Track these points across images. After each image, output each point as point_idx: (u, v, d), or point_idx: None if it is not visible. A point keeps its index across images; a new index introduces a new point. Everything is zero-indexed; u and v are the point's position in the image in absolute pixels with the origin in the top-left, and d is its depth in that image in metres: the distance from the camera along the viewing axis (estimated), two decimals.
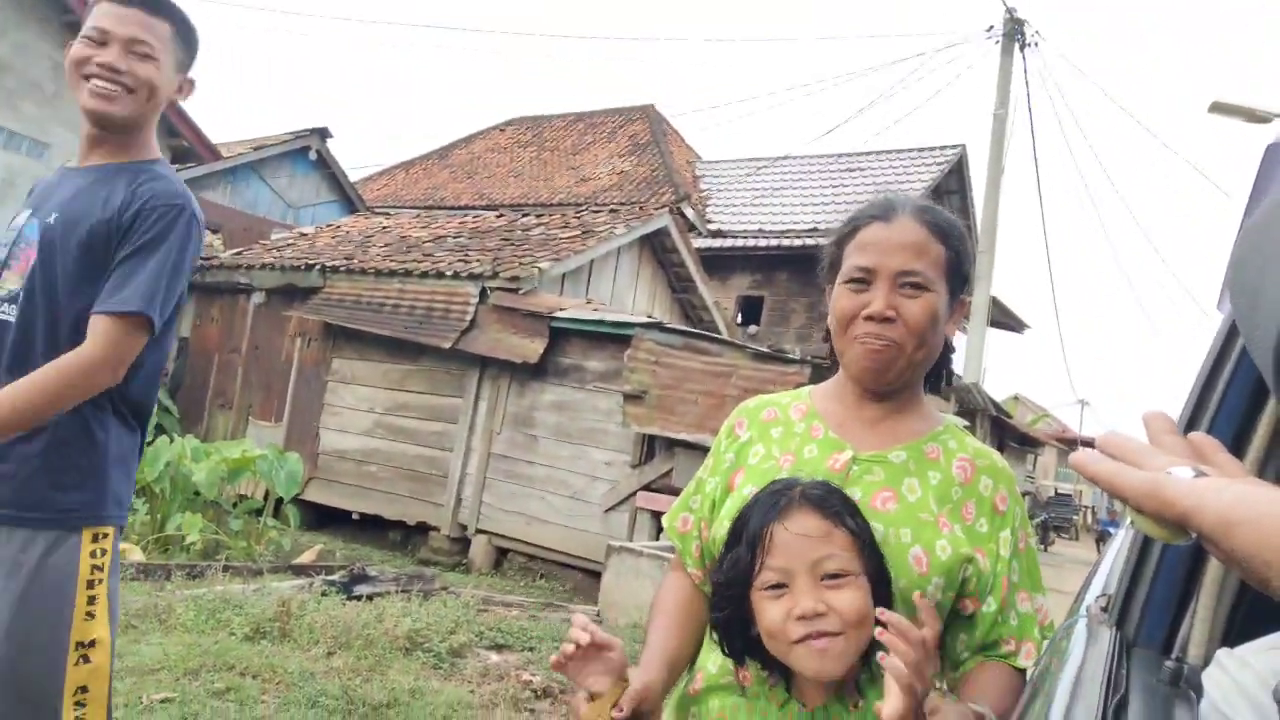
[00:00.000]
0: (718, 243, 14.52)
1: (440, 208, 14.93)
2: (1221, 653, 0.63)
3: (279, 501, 7.23)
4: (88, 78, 1.63)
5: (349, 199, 14.16)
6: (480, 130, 20.11)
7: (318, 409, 8.73)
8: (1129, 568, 1.00)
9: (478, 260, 8.35)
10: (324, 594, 5.19)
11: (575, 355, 7.51)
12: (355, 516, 8.27)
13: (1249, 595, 0.81)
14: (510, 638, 4.89)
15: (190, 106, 9.24)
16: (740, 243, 14.51)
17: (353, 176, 15.13)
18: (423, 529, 7.92)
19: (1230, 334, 0.91)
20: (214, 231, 10.67)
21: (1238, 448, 0.83)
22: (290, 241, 10.50)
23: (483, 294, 7.85)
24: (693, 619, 1.29)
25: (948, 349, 1.31)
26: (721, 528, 1.22)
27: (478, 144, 19.51)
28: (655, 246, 10.25)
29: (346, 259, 9.13)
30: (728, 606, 1.11)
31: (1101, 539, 20.45)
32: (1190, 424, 0.87)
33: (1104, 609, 1.07)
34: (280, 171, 13.20)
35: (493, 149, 19.07)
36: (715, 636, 1.17)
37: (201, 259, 9.92)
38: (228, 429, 9.28)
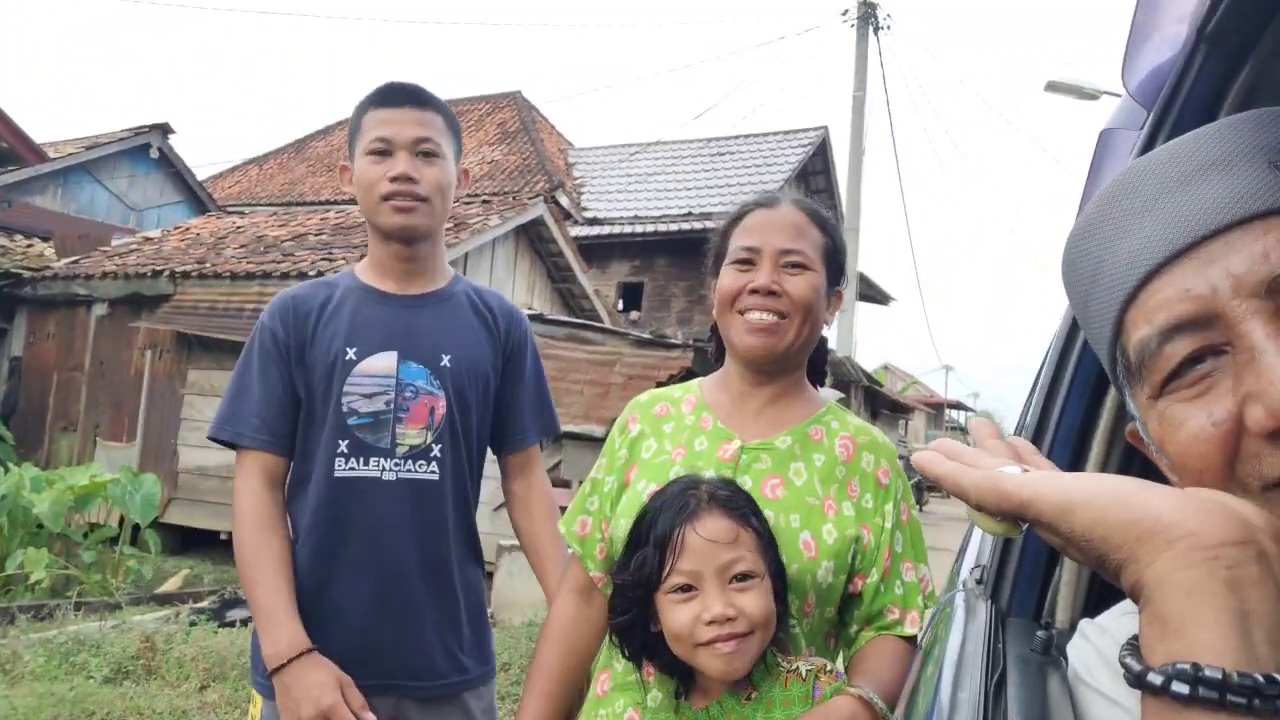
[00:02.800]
0: (595, 230, 14.48)
1: (300, 204, 14.25)
2: (1083, 623, 0.64)
3: (136, 528, 6.72)
4: (385, 197, 1.52)
5: (197, 199, 13.30)
6: (339, 121, 19.26)
7: (174, 425, 8.16)
8: (999, 540, 1.01)
9: (344, 259, 7.99)
10: (193, 624, 4.86)
11: None
12: (224, 536, 7.78)
13: None
14: None
15: (8, 103, 8.42)
16: (617, 229, 14.52)
17: (200, 175, 14.22)
18: None
19: (1075, 323, 0.92)
20: (44, 239, 9.78)
21: (1084, 435, 0.85)
22: (134, 247, 9.76)
23: None
24: (579, 670, 1.32)
25: (823, 342, 1.33)
26: (619, 526, 1.23)
27: (337, 135, 18.68)
28: (532, 236, 10.11)
29: (198, 263, 8.56)
30: (631, 608, 1.10)
31: None
32: (1043, 411, 0.88)
33: (979, 581, 1.08)
34: (118, 172, 12.24)
35: None
36: (614, 640, 1.16)
37: (31, 270, 9.09)
38: (72, 453, 8.55)
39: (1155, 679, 0.37)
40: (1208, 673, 0.36)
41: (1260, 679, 0.35)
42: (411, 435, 1.51)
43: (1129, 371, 0.58)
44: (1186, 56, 0.82)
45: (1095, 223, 0.61)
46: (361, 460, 1.50)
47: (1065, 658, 0.70)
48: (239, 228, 10.09)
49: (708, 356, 1.40)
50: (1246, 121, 0.56)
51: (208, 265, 8.44)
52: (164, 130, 12.54)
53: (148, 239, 10.12)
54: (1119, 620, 0.61)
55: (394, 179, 1.50)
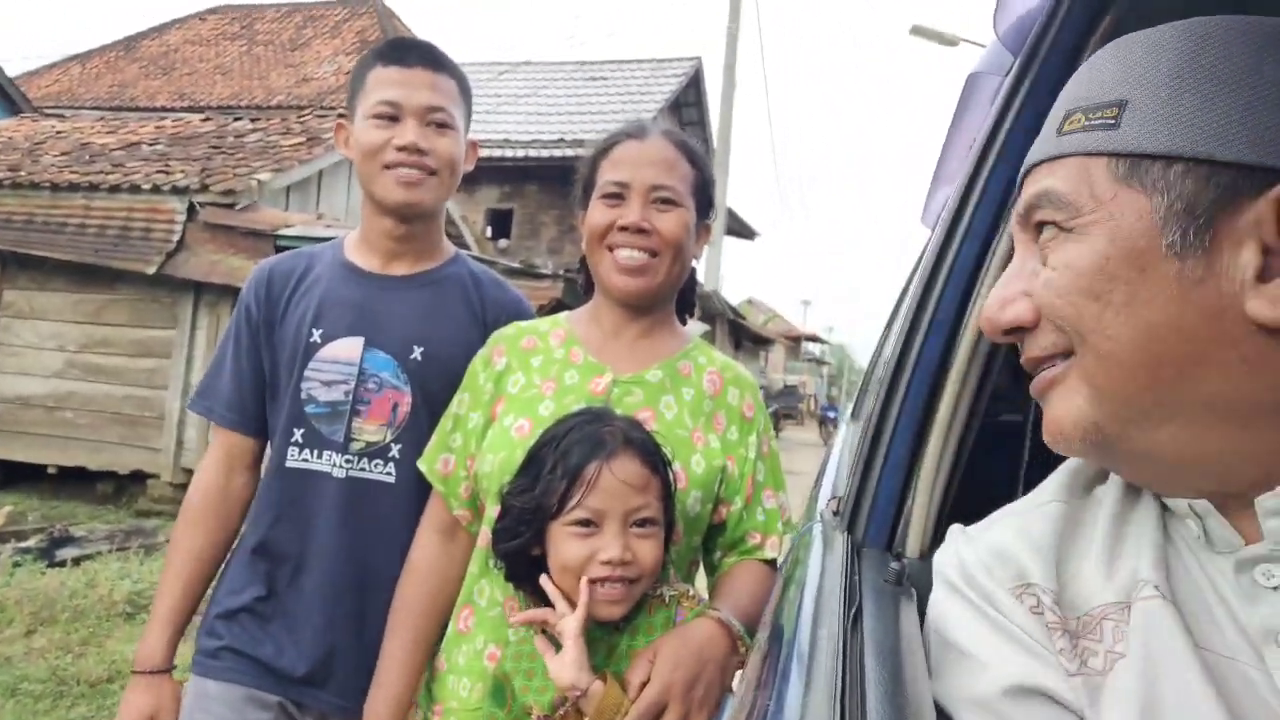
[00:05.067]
0: None
1: (130, 109, 12.95)
2: (955, 529, 0.67)
3: None
4: (388, 166, 1.37)
5: (8, 98, 11.83)
6: (175, 19, 17.50)
7: None
8: (855, 473, 1.04)
9: (182, 171, 7.34)
10: (16, 564, 4.51)
11: None
12: (52, 470, 7.20)
13: (955, 493, 0.87)
14: None
15: None
16: (486, 153, 14.01)
17: (10, 70, 12.63)
18: (139, 478, 7.07)
19: (943, 246, 0.94)
20: None
21: (946, 355, 0.88)
22: None
23: (191, 210, 6.94)
24: (444, 611, 1.28)
25: (691, 275, 1.34)
26: (485, 462, 1.21)
27: (173, 35, 16.98)
28: None
29: (11, 170, 7.66)
30: (525, 532, 1.08)
31: (823, 423, 23.05)
32: (906, 337, 0.90)
33: (835, 512, 1.12)
34: None
35: (192, 41, 16.69)
36: (496, 564, 1.15)
37: None
38: None
39: None
40: None
41: None
42: (369, 431, 1.39)
43: None
44: (1052, 6, 0.83)
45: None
46: (314, 452, 1.39)
47: (915, 586, 0.74)
48: (59, 132, 9.06)
49: (577, 288, 1.38)
50: (1076, 75, 0.61)
51: (23, 173, 7.56)
52: None
53: None
54: (984, 532, 0.64)
55: (401, 148, 1.36)
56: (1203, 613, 0.53)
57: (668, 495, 1.11)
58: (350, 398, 1.39)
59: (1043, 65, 0.84)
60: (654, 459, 1.10)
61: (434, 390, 1.39)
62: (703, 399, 1.26)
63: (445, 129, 1.41)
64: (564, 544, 1.06)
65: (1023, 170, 0.62)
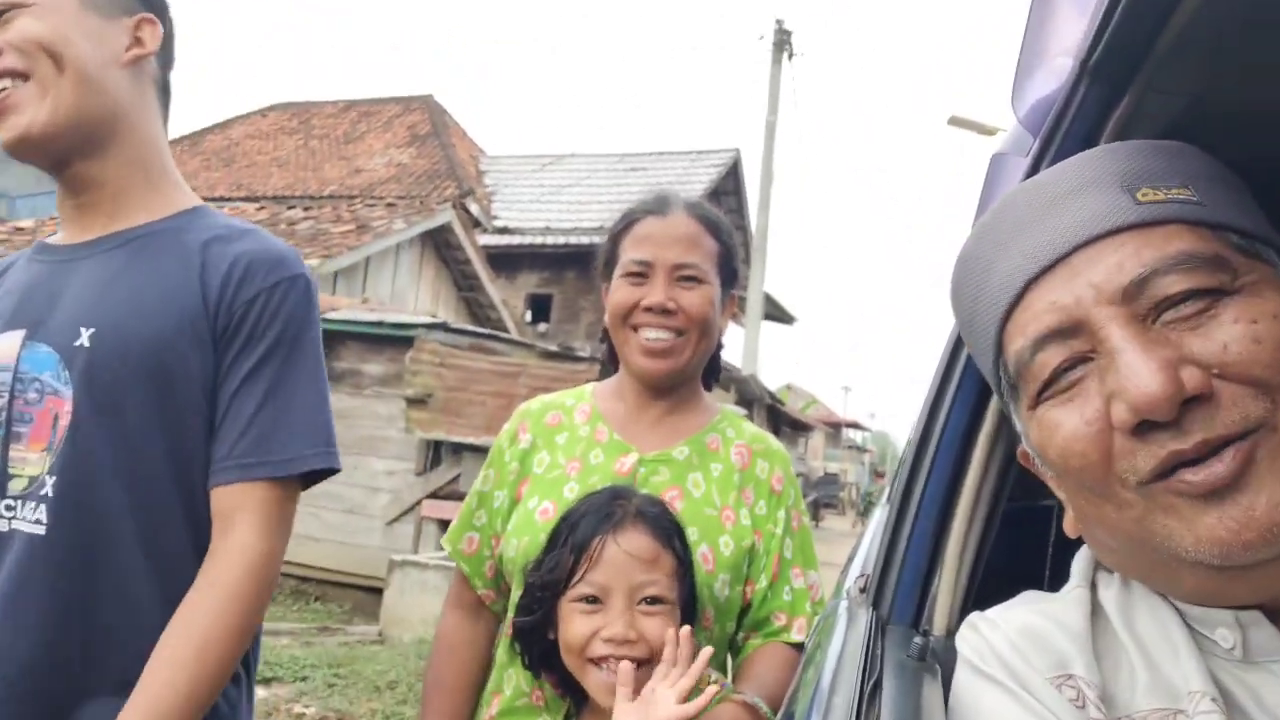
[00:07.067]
0: (505, 240, 14.32)
1: None
2: (974, 615, 0.66)
3: None
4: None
5: None
6: (239, 115, 18.53)
7: None
8: (882, 549, 1.03)
9: None
10: None
11: (351, 359, 7.08)
12: None
13: (982, 571, 0.86)
14: (280, 669, 4.49)
15: None
16: (528, 240, 14.41)
17: None
18: None
19: (959, 341, 0.95)
20: None
21: (970, 434, 0.87)
22: (4, 238, 9.09)
23: None
24: (474, 686, 1.26)
25: (717, 347, 1.33)
26: (509, 545, 1.19)
27: (236, 129, 17.94)
28: (439, 243, 9.92)
29: None
30: (537, 609, 1.06)
31: (865, 512, 22.56)
32: (930, 414, 0.90)
33: (862, 590, 1.10)
34: None
35: (253, 135, 17.60)
36: (517, 647, 1.13)
37: None
38: None
39: None
40: None
41: None
42: (32, 461, 0.96)
43: (1011, 387, 0.60)
44: (1070, 87, 0.85)
45: (976, 248, 0.64)
46: None
47: (939, 664, 0.72)
48: None
49: (603, 362, 1.38)
50: (1104, 152, 0.60)
51: None
52: None
53: (19, 229, 9.45)
54: (1008, 614, 0.63)
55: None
56: None
57: (684, 573, 1.08)
58: (5, 416, 0.98)
59: (1062, 146, 0.85)
60: (667, 533, 1.07)
61: (105, 385, 0.96)
62: (731, 473, 1.23)
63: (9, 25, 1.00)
64: (569, 621, 1.03)
65: (1071, 245, 0.55)
